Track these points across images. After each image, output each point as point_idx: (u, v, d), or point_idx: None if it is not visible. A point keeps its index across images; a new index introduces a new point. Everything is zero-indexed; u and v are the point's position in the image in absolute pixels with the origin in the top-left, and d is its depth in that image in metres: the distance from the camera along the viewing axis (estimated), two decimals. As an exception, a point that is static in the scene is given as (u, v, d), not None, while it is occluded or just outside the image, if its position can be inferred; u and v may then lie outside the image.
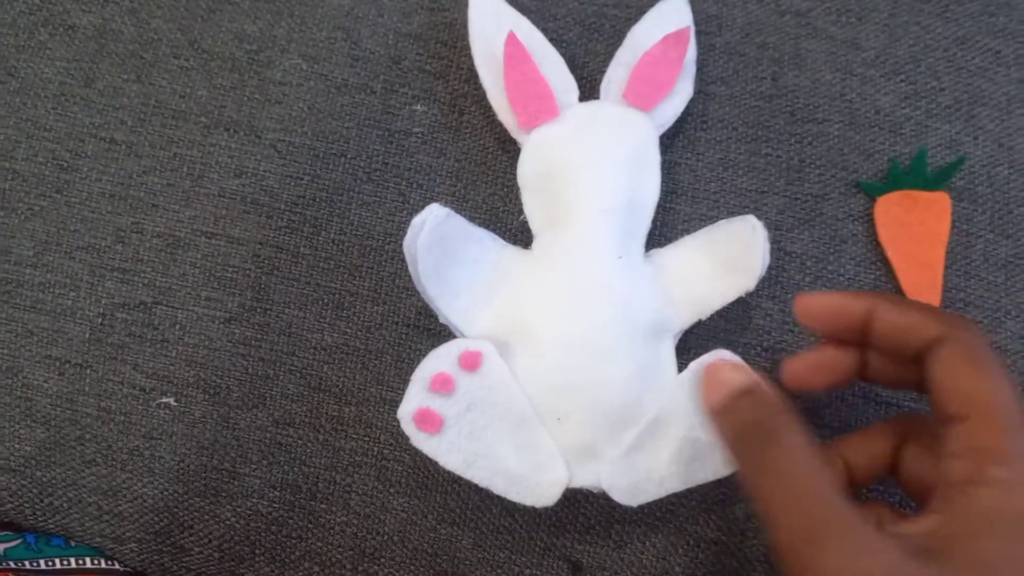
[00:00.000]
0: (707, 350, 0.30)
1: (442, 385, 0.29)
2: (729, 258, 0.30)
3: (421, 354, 0.33)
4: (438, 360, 0.30)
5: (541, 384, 0.30)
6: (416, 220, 0.29)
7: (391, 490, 0.33)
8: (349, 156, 0.35)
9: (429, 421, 0.29)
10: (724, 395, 0.26)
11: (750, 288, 0.30)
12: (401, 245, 0.29)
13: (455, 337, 0.31)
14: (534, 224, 0.32)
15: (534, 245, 0.32)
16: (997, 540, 0.22)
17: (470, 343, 0.30)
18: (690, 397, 0.30)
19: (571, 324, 0.30)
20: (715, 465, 0.29)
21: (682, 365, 0.31)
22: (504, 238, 0.33)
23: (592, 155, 0.32)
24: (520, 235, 0.33)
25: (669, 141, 0.34)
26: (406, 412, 0.29)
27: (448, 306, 0.31)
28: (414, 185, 0.34)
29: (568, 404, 0.30)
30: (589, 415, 0.30)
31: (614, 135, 0.32)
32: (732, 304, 0.31)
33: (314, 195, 0.34)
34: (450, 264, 0.30)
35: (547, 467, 0.30)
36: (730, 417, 0.26)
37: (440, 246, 0.30)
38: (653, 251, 0.32)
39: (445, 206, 0.30)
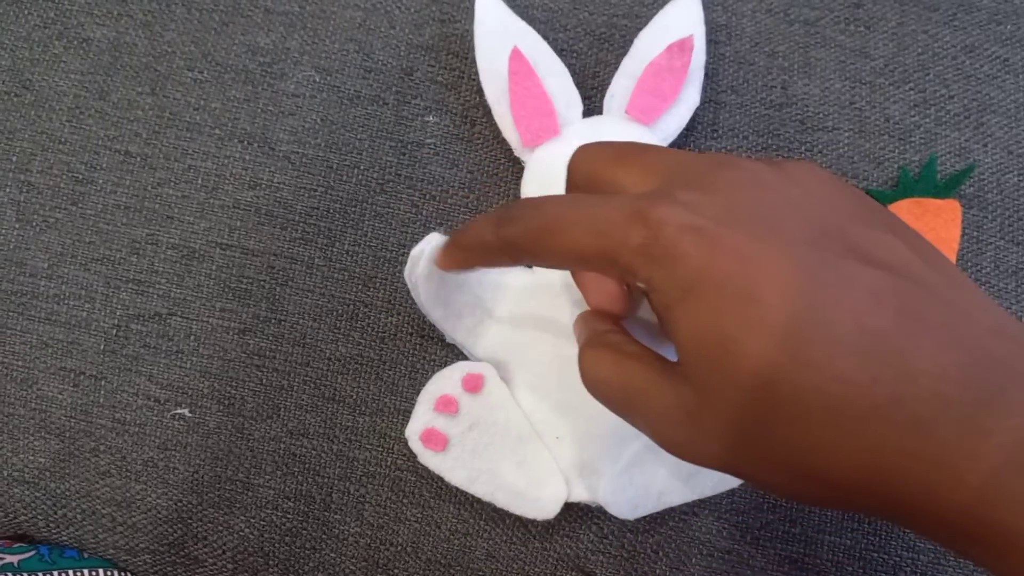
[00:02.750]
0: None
1: (446, 406, 0.30)
2: None
3: (436, 364, 0.33)
4: (443, 382, 0.31)
5: (539, 404, 0.31)
6: (414, 251, 0.29)
7: (404, 501, 0.33)
8: (362, 167, 0.35)
9: (435, 440, 0.30)
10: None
11: None
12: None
13: (464, 354, 0.32)
14: None
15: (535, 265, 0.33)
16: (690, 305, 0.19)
17: (472, 366, 0.31)
18: None
19: (566, 345, 0.31)
20: (715, 479, 0.30)
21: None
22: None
23: None
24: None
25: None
26: (413, 431, 0.30)
27: (453, 328, 0.31)
28: (427, 196, 0.35)
29: (566, 423, 0.31)
30: (586, 434, 0.31)
31: None
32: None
33: (328, 206, 0.34)
34: (451, 289, 0.31)
35: (546, 483, 0.30)
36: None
37: (439, 273, 0.30)
38: None
39: (444, 234, 0.30)
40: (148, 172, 0.35)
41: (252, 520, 0.33)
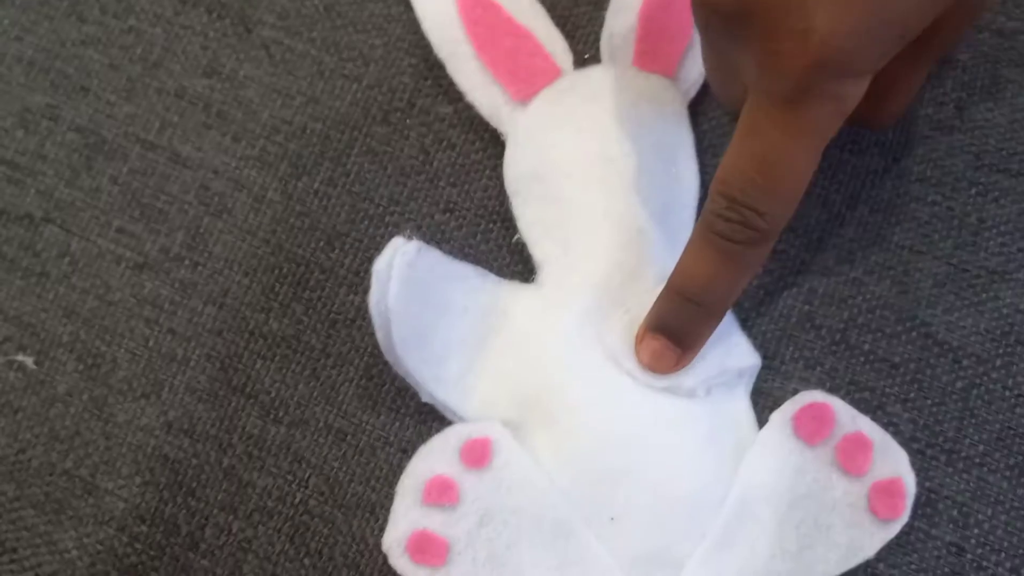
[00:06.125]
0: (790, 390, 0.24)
1: (441, 494, 0.23)
2: None
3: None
4: (432, 457, 0.24)
5: (577, 474, 0.24)
6: (379, 266, 0.22)
7: (306, 561, 0.23)
8: (365, 83, 0.27)
9: (429, 548, 0.23)
10: None
11: None
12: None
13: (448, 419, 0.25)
14: (536, 249, 0.26)
15: (540, 278, 0.26)
16: None
17: (472, 428, 0.24)
18: (783, 460, 0.24)
19: (606, 387, 0.25)
20: (840, 551, 0.23)
21: (762, 418, 0.24)
22: (502, 258, 0.26)
23: (610, 146, 0.26)
24: (518, 257, 0.25)
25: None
26: (395, 540, 0.23)
27: (435, 377, 0.24)
28: (441, 142, 0.26)
29: (620, 497, 0.24)
30: (651, 509, 0.24)
31: (634, 114, 0.26)
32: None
33: (304, 123, 0.27)
34: (431, 318, 0.24)
35: None
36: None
37: (418, 296, 0.23)
38: None
39: (412, 236, 0.23)
40: (72, 22, 0.28)
41: (85, 539, 0.24)
